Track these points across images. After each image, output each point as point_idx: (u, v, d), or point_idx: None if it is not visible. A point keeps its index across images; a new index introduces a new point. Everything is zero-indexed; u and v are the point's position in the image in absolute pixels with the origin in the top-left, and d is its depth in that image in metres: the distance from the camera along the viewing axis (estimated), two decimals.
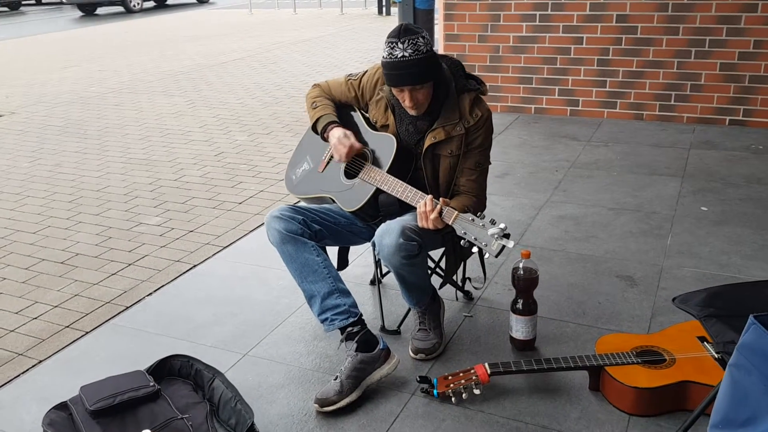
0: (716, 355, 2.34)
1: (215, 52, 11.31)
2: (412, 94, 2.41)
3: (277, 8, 18.22)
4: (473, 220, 2.24)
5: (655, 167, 4.71)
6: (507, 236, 2.19)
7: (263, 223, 4.09)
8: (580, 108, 6.04)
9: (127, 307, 3.19)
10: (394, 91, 2.46)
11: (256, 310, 3.09)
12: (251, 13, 17.68)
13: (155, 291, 3.34)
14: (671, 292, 3.07)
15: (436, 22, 6.80)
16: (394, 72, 2.37)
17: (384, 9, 15.91)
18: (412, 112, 2.49)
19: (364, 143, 2.65)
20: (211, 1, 22.59)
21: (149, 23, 16.46)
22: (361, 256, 3.49)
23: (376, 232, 2.41)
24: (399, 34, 2.36)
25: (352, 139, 2.57)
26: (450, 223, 2.28)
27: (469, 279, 3.09)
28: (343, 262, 2.94)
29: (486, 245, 2.20)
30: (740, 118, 5.57)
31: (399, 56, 2.35)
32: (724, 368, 2.25)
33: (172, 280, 3.43)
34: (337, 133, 2.60)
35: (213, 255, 3.71)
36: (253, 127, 6.43)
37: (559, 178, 4.57)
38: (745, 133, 5.38)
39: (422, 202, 2.33)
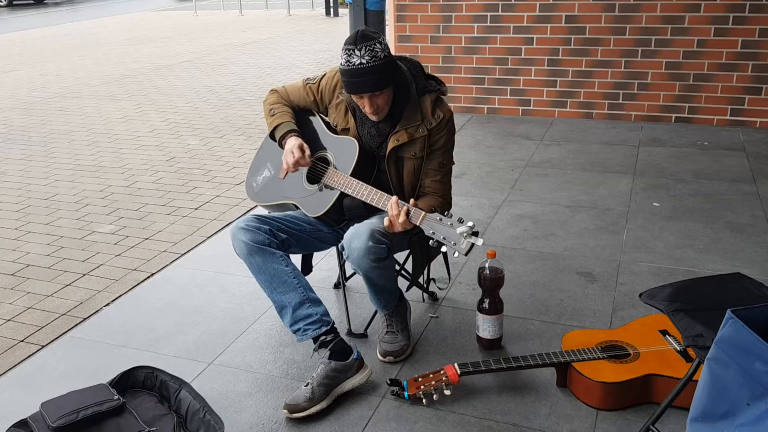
0: (678, 348, 2.40)
1: (161, 55, 11.10)
2: (371, 101, 2.40)
3: (222, 9, 18.00)
4: (441, 219, 2.25)
5: (607, 165, 4.81)
6: (476, 234, 2.20)
7: (221, 229, 4.07)
8: (531, 108, 6.13)
9: (84, 319, 3.10)
10: (354, 97, 2.45)
11: (219, 317, 3.04)
12: (196, 15, 17.42)
13: (113, 301, 3.25)
14: (630, 287, 3.14)
15: (387, 23, 6.82)
16: (353, 80, 2.36)
17: (332, 10, 15.87)
18: (373, 118, 2.48)
19: (324, 148, 2.63)
20: None
21: (90, 26, 16.06)
22: (323, 259, 3.47)
23: (345, 237, 2.40)
24: (356, 41, 2.34)
25: (299, 153, 2.52)
26: (418, 224, 2.28)
27: (434, 280, 3.10)
28: (307, 267, 2.92)
29: (455, 244, 2.20)
30: (685, 115, 5.74)
31: (356, 63, 2.33)
32: (688, 361, 2.32)
33: (129, 290, 3.35)
34: (291, 143, 2.56)
35: (171, 262, 3.63)
36: (205, 131, 6.33)
37: (515, 177, 4.62)
38: (691, 130, 5.54)
39: (389, 204, 2.32)
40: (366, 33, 2.37)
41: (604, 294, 3.10)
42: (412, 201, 2.31)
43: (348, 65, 2.35)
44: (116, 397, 2.26)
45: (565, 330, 2.80)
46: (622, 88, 5.85)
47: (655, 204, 4.10)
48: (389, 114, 2.50)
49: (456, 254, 2.22)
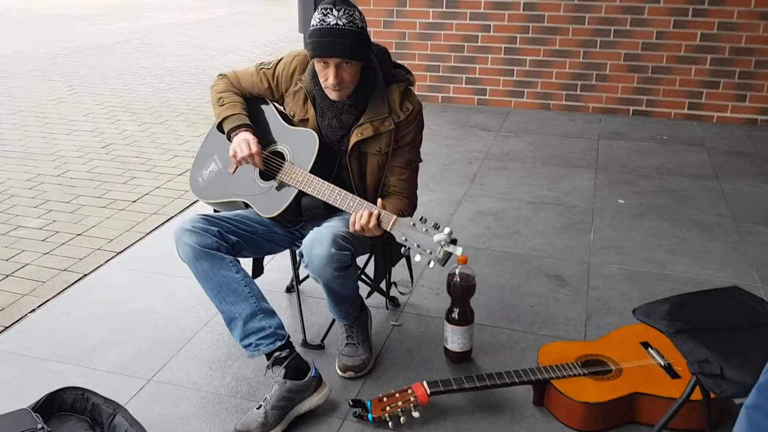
0: (663, 363, 2.24)
1: (96, 33, 10.51)
2: (337, 71, 2.14)
3: None
4: (414, 225, 2.02)
5: (568, 159, 4.67)
6: (454, 242, 1.98)
7: (162, 225, 3.75)
8: (487, 97, 5.94)
9: (6, 327, 2.76)
10: (318, 66, 2.19)
11: (160, 325, 2.75)
12: None
13: (39, 306, 2.91)
14: (602, 292, 2.98)
15: None
16: (324, 39, 2.10)
17: None
18: (333, 95, 2.22)
19: (278, 140, 2.37)
20: None
21: (21, 0, 15.18)
22: (273, 259, 3.20)
23: (304, 242, 2.14)
24: (335, 2, 2.11)
25: (255, 148, 2.26)
26: (388, 230, 2.05)
27: (395, 284, 2.86)
28: (258, 269, 2.64)
29: (431, 253, 1.98)
30: (643, 108, 5.64)
31: (332, 23, 2.09)
32: (673, 377, 2.16)
33: (58, 293, 3.02)
34: (241, 137, 2.29)
35: (106, 262, 3.30)
36: (144, 116, 5.94)
37: (474, 171, 4.43)
38: (649, 123, 5.45)
39: (355, 206, 2.08)
40: None
41: (576, 299, 2.93)
42: (380, 202, 2.07)
43: (322, 24, 2.11)
44: (40, 426, 1.97)
45: (538, 340, 2.62)
46: (580, 79, 5.72)
47: (620, 201, 3.96)
48: (353, 103, 2.25)
49: (431, 264, 1.99)
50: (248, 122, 2.36)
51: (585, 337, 2.66)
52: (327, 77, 2.17)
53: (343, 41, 2.10)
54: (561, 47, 5.67)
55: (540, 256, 3.30)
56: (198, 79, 7.38)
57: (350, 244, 2.13)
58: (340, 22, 2.09)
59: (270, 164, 2.33)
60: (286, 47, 9.35)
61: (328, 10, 2.11)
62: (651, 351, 2.31)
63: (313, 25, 2.14)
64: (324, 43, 2.11)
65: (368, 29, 2.22)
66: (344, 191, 2.16)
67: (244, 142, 2.26)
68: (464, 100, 5.97)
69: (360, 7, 2.25)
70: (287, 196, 2.27)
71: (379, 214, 2.06)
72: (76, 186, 4.30)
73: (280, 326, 2.22)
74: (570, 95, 5.78)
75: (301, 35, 7.14)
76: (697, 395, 1.83)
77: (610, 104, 5.71)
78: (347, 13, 2.11)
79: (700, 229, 3.59)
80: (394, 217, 2.04)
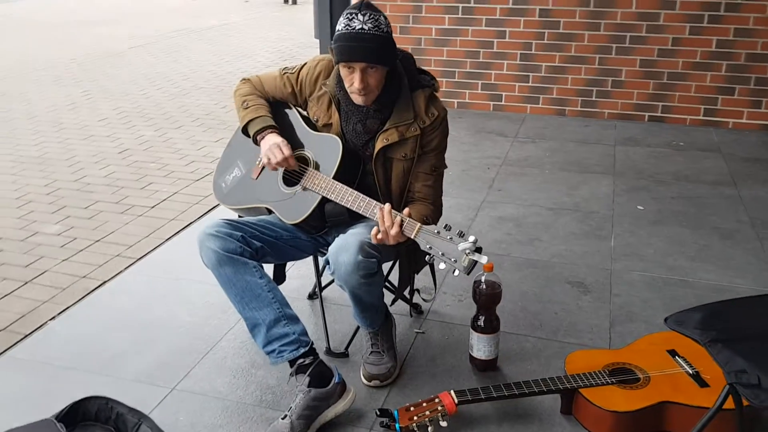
0: (691, 371, 2.22)
1: (110, 39, 10.56)
2: (363, 75, 2.13)
3: None
4: (439, 233, 2.00)
5: (585, 165, 4.64)
6: (479, 250, 1.96)
7: (181, 230, 3.75)
8: (503, 103, 5.92)
9: (26, 335, 2.76)
10: (343, 71, 2.18)
11: (181, 333, 2.74)
12: None
13: (59, 314, 2.91)
14: (625, 299, 2.96)
15: None
16: (350, 44, 2.10)
17: None
18: (358, 100, 2.20)
19: (302, 145, 2.36)
20: None
21: (31, 5, 15.28)
22: (294, 266, 3.19)
23: (330, 249, 2.13)
24: (360, 7, 2.11)
25: (288, 151, 2.26)
26: (412, 237, 2.03)
27: (418, 291, 2.85)
28: (280, 275, 2.64)
29: (455, 261, 1.96)
30: (659, 114, 5.61)
31: (358, 28, 2.09)
32: (702, 386, 2.13)
33: (78, 300, 3.01)
34: (270, 140, 2.29)
35: (125, 268, 3.30)
36: (160, 121, 5.95)
37: (492, 176, 4.41)
38: (665, 130, 5.42)
39: (379, 214, 2.06)
40: (371, 3, 2.14)
41: (599, 307, 2.90)
42: (406, 211, 2.06)
43: (347, 29, 2.10)
44: None
45: (563, 348, 2.59)
46: (596, 85, 5.69)
47: (639, 207, 3.93)
48: (379, 108, 2.24)
49: (456, 272, 1.98)
50: (274, 123, 2.35)
51: (610, 345, 2.63)
52: (352, 82, 2.16)
53: (368, 46, 2.10)
54: (577, 53, 5.64)
55: (561, 263, 3.28)
56: (213, 84, 7.40)
57: (376, 251, 2.12)
58: (365, 27, 2.09)
59: (293, 170, 2.32)
60: (301, 52, 9.37)
61: (354, 15, 2.11)
62: (678, 359, 2.29)
63: (338, 30, 2.14)
64: (350, 48, 2.11)
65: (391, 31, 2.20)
66: (368, 198, 2.15)
67: (276, 147, 2.26)
68: (480, 106, 5.95)
69: None
70: (311, 203, 2.26)
71: (402, 221, 2.04)
72: (93, 192, 4.31)
73: (304, 332, 2.21)
74: (585, 101, 5.75)
75: (317, 41, 7.14)
76: (729, 404, 1.81)
77: (626, 110, 5.68)
78: (372, 17, 2.11)
79: (720, 236, 3.56)
80: (419, 224, 2.03)
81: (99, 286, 3.14)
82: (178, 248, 3.53)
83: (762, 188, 4.19)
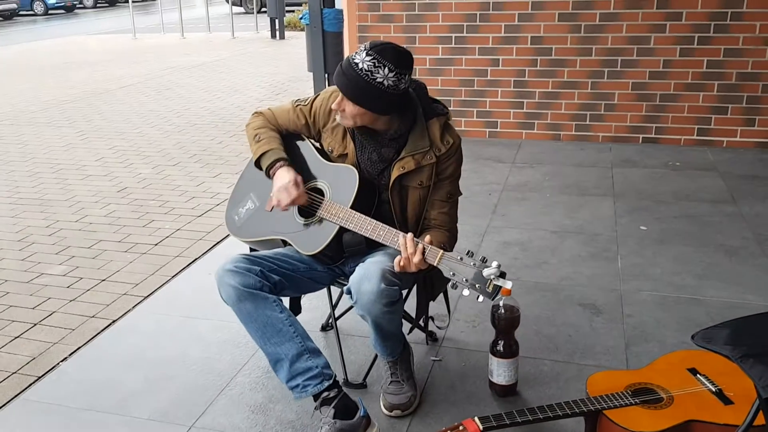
0: (713, 389, 2.21)
1: (102, 79, 10.59)
2: (341, 100, 2.18)
3: (162, 32, 17.47)
4: (461, 259, 2.00)
5: (585, 187, 4.67)
6: (503, 275, 1.97)
7: (187, 267, 3.73)
8: (498, 130, 5.98)
9: (39, 377, 2.72)
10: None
11: (195, 370, 2.71)
12: (135, 38, 16.87)
13: (71, 355, 2.88)
14: (638, 319, 2.96)
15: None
16: (339, 69, 2.17)
17: (277, 33, 15.57)
18: (337, 117, 2.26)
19: (316, 176, 2.37)
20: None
21: (20, 49, 15.33)
22: (306, 298, 3.16)
23: (352, 279, 2.12)
24: (371, 48, 2.12)
25: (296, 191, 2.27)
26: (435, 264, 2.03)
27: (432, 318, 2.84)
28: (296, 307, 2.63)
29: (480, 287, 1.96)
30: (653, 135, 5.67)
31: (354, 60, 2.13)
32: (726, 403, 2.12)
33: (89, 341, 2.98)
34: (283, 177, 2.29)
35: (133, 307, 3.28)
36: (157, 159, 5.95)
37: (495, 202, 4.43)
38: (659, 150, 5.47)
39: (401, 241, 2.07)
40: (398, 54, 2.14)
41: (613, 327, 2.90)
42: (427, 238, 2.06)
43: (349, 56, 2.16)
44: None
45: (581, 370, 2.59)
46: (589, 110, 5.76)
47: (642, 227, 3.96)
48: (394, 137, 2.26)
49: (480, 298, 1.98)
50: (285, 156, 2.36)
51: (627, 366, 2.63)
52: (334, 100, 2.24)
53: (345, 80, 2.13)
54: (569, 78, 5.72)
55: (571, 285, 3.28)
56: (207, 120, 7.42)
57: (398, 278, 2.12)
58: (360, 65, 2.11)
59: (309, 201, 2.32)
60: (293, 86, 9.43)
61: (363, 50, 2.13)
62: (700, 377, 2.28)
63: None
64: (336, 71, 2.18)
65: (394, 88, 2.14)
66: (387, 226, 2.15)
67: (283, 190, 2.26)
68: (476, 134, 6.00)
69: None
70: (328, 233, 2.26)
71: (424, 249, 2.05)
72: (95, 231, 4.29)
73: (327, 366, 2.20)
74: (580, 125, 5.81)
75: (309, 74, 7.20)
76: (759, 420, 1.80)
77: (620, 133, 5.74)
78: (374, 62, 2.09)
79: (726, 253, 3.58)
80: (441, 251, 2.03)
81: (108, 325, 3.11)
82: (185, 285, 3.51)
83: (762, 204, 4.23)
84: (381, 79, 2.09)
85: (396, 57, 2.11)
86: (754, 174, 4.83)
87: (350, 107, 2.17)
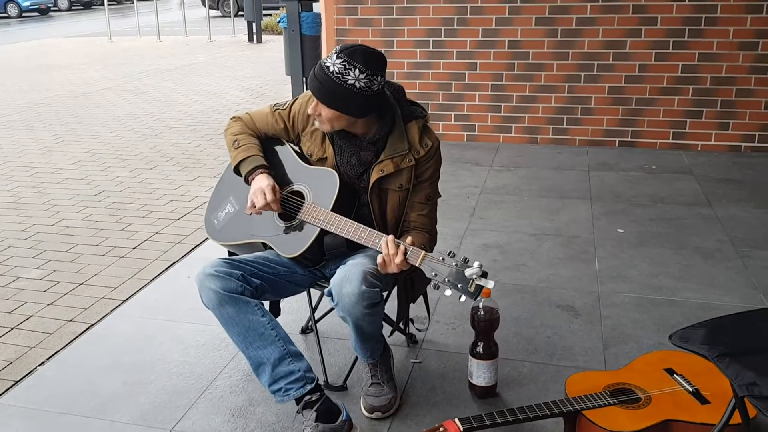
0: (690, 389, 2.25)
1: (77, 82, 10.49)
2: (316, 104, 2.19)
3: (139, 35, 17.33)
4: (443, 259, 2.02)
5: (562, 190, 4.72)
6: (485, 275, 1.99)
7: (165, 270, 3.70)
8: (476, 133, 6.02)
9: (16, 382, 2.69)
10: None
11: (174, 374, 2.69)
12: (111, 41, 16.72)
13: (49, 359, 2.85)
14: (616, 321, 3.00)
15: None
16: (312, 74, 2.18)
17: (254, 36, 15.53)
18: (316, 123, 2.27)
19: (296, 180, 2.37)
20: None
21: None
22: (284, 301, 3.16)
23: (333, 281, 2.13)
24: (341, 51, 2.11)
25: (272, 195, 2.25)
26: (417, 265, 2.05)
27: (412, 321, 2.85)
28: (276, 310, 2.63)
29: (462, 287, 1.98)
30: (629, 139, 5.74)
31: (325, 64, 2.14)
32: (703, 403, 2.16)
33: (67, 345, 2.95)
34: (258, 183, 2.28)
35: (112, 311, 3.25)
36: (134, 162, 5.90)
37: (473, 205, 4.46)
38: (636, 154, 5.54)
39: (383, 243, 2.08)
40: (367, 57, 2.12)
41: (591, 329, 2.93)
42: (409, 239, 2.07)
43: (322, 61, 2.17)
44: None
45: (560, 371, 2.61)
46: (566, 113, 5.82)
47: (619, 230, 4.00)
48: (372, 141, 2.27)
49: (462, 298, 1.99)
50: (265, 163, 2.35)
51: (606, 367, 2.66)
52: (309, 104, 2.25)
53: (319, 83, 2.14)
54: (546, 83, 5.77)
55: (549, 287, 3.31)
56: (185, 124, 7.38)
57: (379, 280, 2.13)
58: (331, 68, 2.11)
59: (289, 204, 2.33)
60: (271, 90, 9.41)
61: (334, 53, 2.14)
62: (677, 377, 2.32)
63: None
64: (310, 76, 2.20)
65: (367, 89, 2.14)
66: (368, 228, 2.16)
67: (260, 192, 2.25)
68: (454, 137, 6.03)
69: None
70: (309, 235, 2.26)
71: (406, 250, 2.06)
72: (72, 234, 4.24)
73: (309, 369, 2.20)
74: (557, 129, 5.87)
75: (288, 77, 7.20)
76: (736, 418, 1.84)
77: (596, 136, 5.81)
78: (344, 65, 2.09)
79: (702, 256, 3.64)
80: (423, 252, 2.05)
81: (86, 329, 3.08)
82: (163, 288, 3.48)
83: (737, 207, 4.30)
84: (352, 81, 2.10)
85: (366, 58, 2.11)
86: (728, 177, 4.91)
87: (325, 111, 2.18)
